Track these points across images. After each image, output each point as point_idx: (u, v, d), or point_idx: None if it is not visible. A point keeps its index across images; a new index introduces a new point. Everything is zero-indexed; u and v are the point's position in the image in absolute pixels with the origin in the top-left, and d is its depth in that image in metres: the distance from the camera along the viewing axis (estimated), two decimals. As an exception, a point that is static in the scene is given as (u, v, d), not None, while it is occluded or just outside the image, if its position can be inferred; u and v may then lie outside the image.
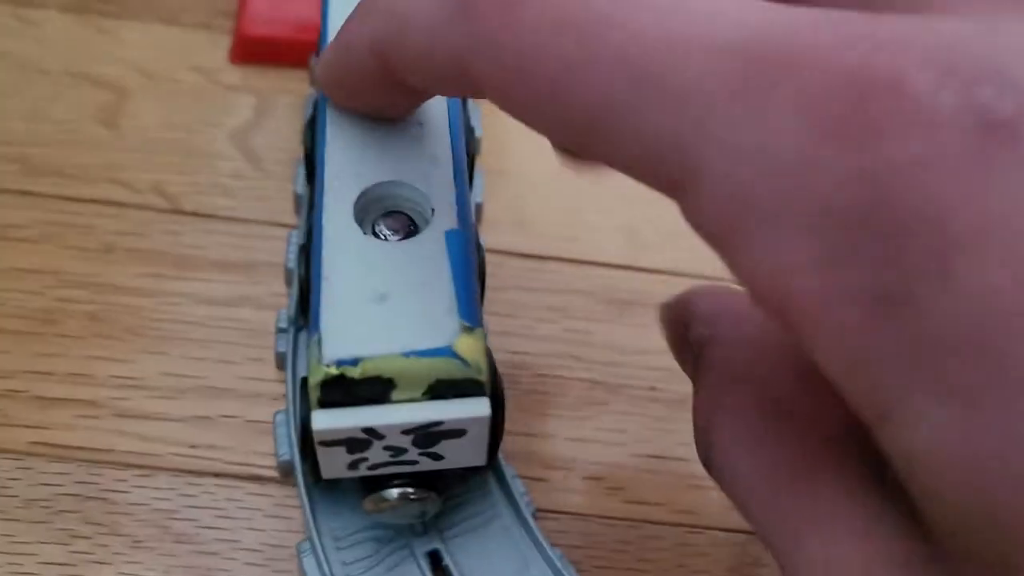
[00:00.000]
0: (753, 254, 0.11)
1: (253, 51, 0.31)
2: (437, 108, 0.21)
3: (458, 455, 0.18)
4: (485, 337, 0.18)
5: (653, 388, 0.26)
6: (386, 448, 0.18)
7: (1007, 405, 0.09)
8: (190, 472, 0.23)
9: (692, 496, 0.24)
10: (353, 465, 0.18)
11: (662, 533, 0.23)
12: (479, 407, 0.17)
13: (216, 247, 0.27)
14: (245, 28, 0.31)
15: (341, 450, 0.18)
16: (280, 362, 0.25)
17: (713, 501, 0.24)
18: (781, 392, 0.14)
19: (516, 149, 0.31)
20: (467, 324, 0.17)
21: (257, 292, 0.26)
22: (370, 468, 0.19)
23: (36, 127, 0.29)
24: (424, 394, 0.17)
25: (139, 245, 0.27)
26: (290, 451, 0.23)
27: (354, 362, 0.17)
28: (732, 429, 0.14)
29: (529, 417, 0.25)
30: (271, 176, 0.29)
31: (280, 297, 0.26)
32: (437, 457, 0.18)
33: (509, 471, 0.23)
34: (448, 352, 0.17)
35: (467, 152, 0.22)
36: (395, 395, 0.17)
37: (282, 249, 0.26)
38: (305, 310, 0.21)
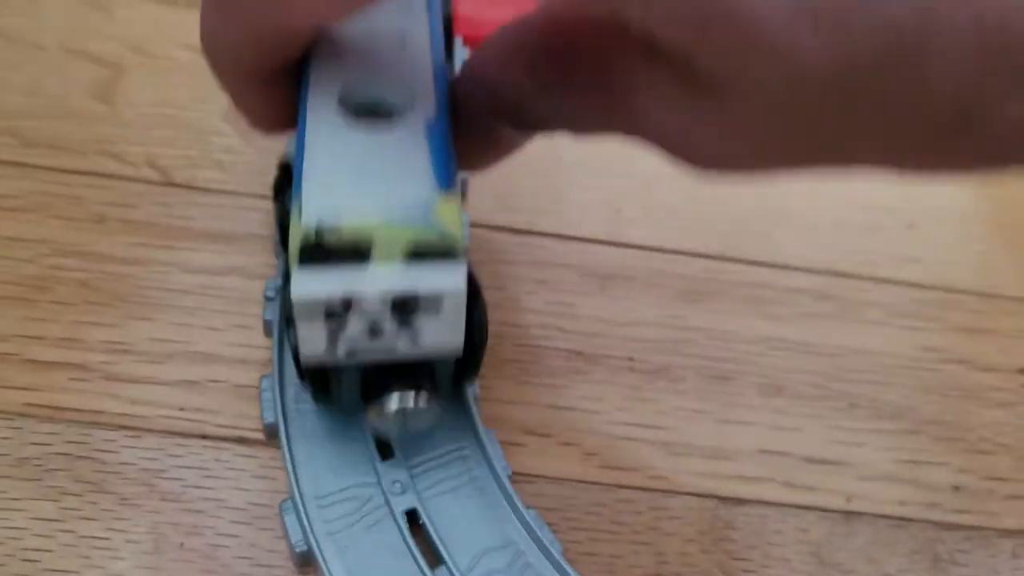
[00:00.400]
0: None
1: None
2: (418, 24, 0.21)
3: (435, 335, 0.19)
4: (461, 205, 0.18)
5: (631, 359, 0.26)
6: (363, 322, 0.18)
7: None
8: (178, 434, 0.24)
9: (666, 463, 0.25)
10: (331, 341, 0.18)
11: (635, 497, 0.24)
12: (455, 275, 0.18)
13: (206, 218, 0.28)
14: None
15: (319, 323, 0.18)
16: (267, 329, 0.25)
17: (686, 468, 0.25)
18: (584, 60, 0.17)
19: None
20: (443, 191, 0.18)
21: (245, 262, 0.27)
22: (348, 353, 0.19)
23: (32, 101, 0.30)
24: (402, 259, 0.17)
25: (130, 216, 0.27)
26: (275, 414, 0.23)
27: (334, 227, 0.17)
28: (571, 105, 0.18)
29: (510, 385, 0.26)
30: (262, 151, 0.29)
31: (268, 267, 0.27)
32: (415, 339, 0.19)
33: (488, 435, 0.23)
34: (425, 218, 0.17)
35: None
36: (374, 260, 0.17)
37: (271, 221, 0.27)
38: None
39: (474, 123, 0.20)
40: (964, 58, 0.12)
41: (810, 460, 0.25)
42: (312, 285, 0.17)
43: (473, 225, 0.28)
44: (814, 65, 0.13)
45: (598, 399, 0.26)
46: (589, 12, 0.17)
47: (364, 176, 0.18)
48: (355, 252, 0.17)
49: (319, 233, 0.17)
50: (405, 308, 0.18)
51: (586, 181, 0.30)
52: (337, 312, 0.18)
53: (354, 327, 0.18)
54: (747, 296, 0.28)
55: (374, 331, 0.18)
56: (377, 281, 0.17)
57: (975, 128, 0.13)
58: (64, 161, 0.28)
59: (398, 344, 0.19)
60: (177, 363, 0.25)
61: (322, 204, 0.17)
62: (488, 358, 0.26)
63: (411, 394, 0.20)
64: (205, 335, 0.25)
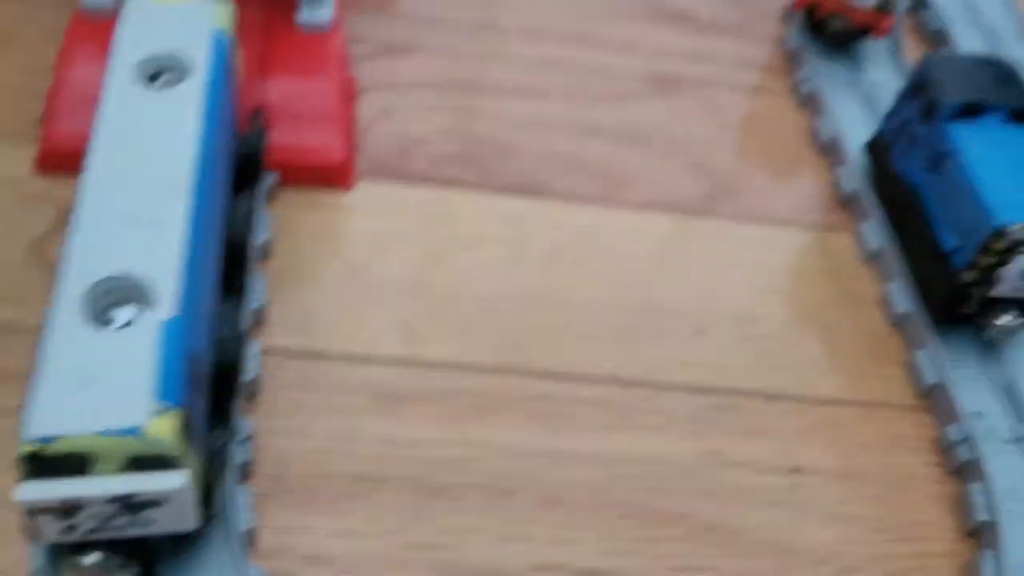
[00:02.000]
0: None
1: (57, 162, 0.33)
2: (174, 207, 0.23)
3: (166, 521, 0.20)
4: (186, 417, 0.20)
5: (415, 479, 0.27)
6: (94, 516, 0.20)
7: None
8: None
9: (439, 585, 0.25)
10: (68, 531, 0.20)
11: (405, 623, 0.25)
12: (173, 480, 0.20)
13: (-3, 358, 0.28)
14: (49, 139, 0.33)
15: (51, 518, 0.20)
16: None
17: (458, 589, 0.25)
18: None
19: (309, 250, 0.32)
20: (162, 406, 0.19)
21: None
22: (87, 532, 0.20)
23: None
24: (122, 468, 0.19)
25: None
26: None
27: (51, 440, 0.19)
28: None
29: (291, 513, 0.26)
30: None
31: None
32: (147, 525, 0.20)
33: (255, 572, 0.24)
34: (138, 432, 0.19)
35: (243, 252, 0.26)
36: (94, 469, 0.19)
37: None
38: None
39: None
40: None
41: (584, 572, 0.26)
42: (38, 491, 0.19)
43: (267, 352, 0.29)
44: None
45: (379, 522, 0.26)
46: None
47: (92, 384, 0.19)
48: (75, 462, 0.19)
49: (37, 447, 0.19)
50: (131, 506, 0.20)
51: (384, 301, 0.31)
52: (67, 511, 0.19)
53: (86, 521, 0.20)
54: (533, 410, 0.29)
55: (108, 519, 0.20)
56: (99, 487, 0.19)
57: None
58: None
59: (132, 528, 0.20)
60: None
61: (46, 416, 0.19)
62: (273, 487, 0.27)
63: (114, 559, 0.21)
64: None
